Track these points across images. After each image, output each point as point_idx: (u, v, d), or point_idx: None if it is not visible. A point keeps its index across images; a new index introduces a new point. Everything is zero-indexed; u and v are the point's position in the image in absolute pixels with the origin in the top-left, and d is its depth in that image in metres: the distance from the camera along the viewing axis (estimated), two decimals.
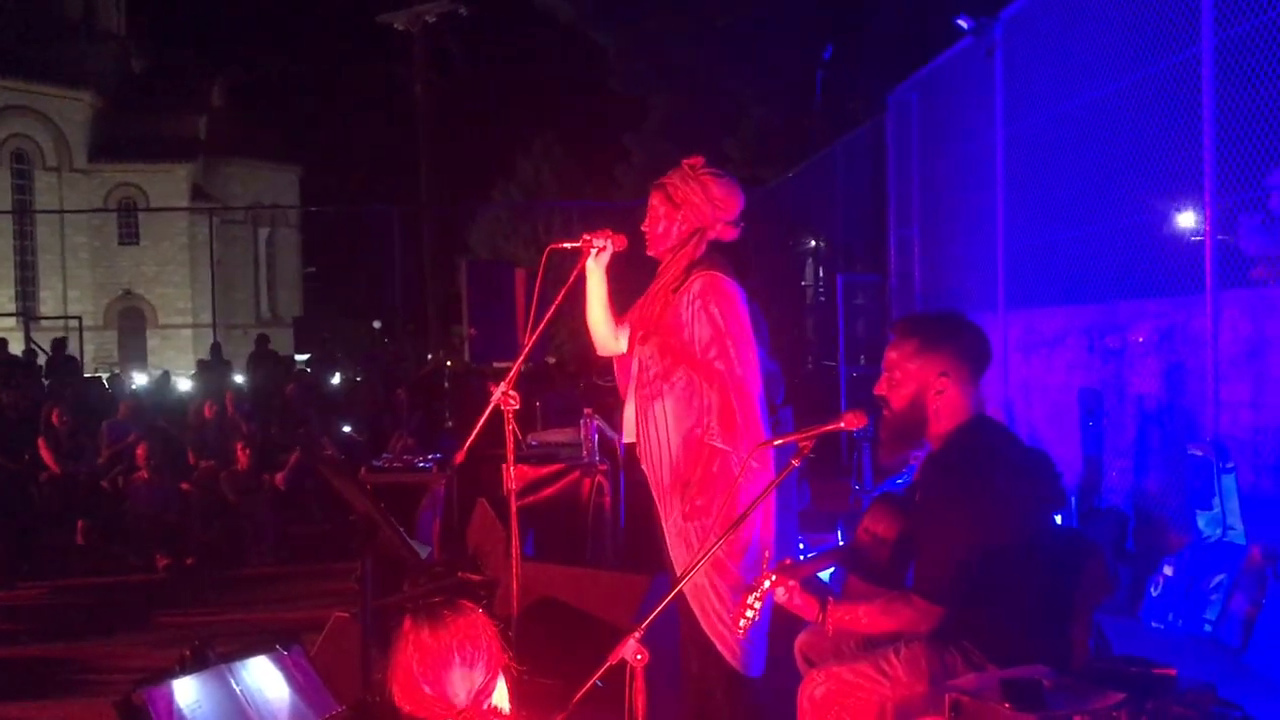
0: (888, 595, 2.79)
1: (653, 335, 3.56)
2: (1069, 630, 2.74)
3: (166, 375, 16.74)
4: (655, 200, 3.60)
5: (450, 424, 10.02)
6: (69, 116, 38.82)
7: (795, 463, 2.71)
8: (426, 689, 2.21)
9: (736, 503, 3.35)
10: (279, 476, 8.92)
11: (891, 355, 2.87)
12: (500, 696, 2.33)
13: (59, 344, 17.18)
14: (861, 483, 7.21)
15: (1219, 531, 5.58)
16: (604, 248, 3.53)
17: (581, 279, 3.59)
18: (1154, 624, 5.62)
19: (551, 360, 18.47)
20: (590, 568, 5.23)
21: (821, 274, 15.04)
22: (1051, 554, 2.76)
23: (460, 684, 2.22)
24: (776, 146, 20.93)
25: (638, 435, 3.63)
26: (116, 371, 25.72)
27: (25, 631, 6.49)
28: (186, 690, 2.62)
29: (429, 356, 18.47)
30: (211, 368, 16.56)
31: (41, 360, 16.72)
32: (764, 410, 3.55)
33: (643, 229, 3.65)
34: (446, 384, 11.94)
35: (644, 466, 3.64)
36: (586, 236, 3.55)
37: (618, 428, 6.29)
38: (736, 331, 3.45)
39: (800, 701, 2.78)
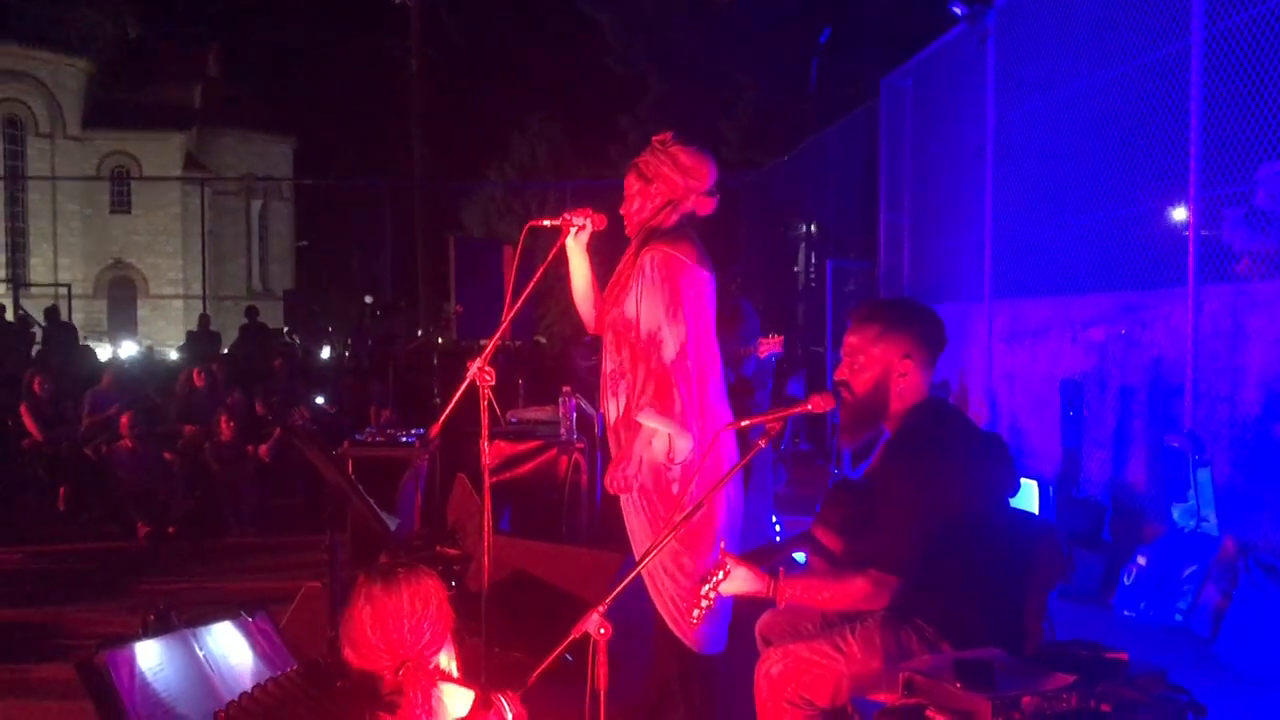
0: (842, 571, 2.82)
1: (611, 309, 3.58)
2: (1022, 612, 2.77)
3: (150, 350, 16.76)
4: (629, 179, 3.61)
5: (438, 400, 10.04)
6: (63, 83, 38.56)
7: (761, 444, 2.72)
8: (376, 641, 2.28)
9: (670, 481, 3.41)
10: (263, 448, 8.93)
11: (853, 340, 2.89)
12: (447, 660, 2.38)
13: (53, 312, 17.16)
14: (840, 467, 7.24)
15: (1193, 523, 5.63)
16: (583, 226, 3.54)
17: (560, 257, 3.60)
18: (1126, 612, 5.68)
19: (541, 340, 18.48)
20: (565, 544, 5.26)
21: (813, 259, 15.04)
22: (1005, 535, 2.79)
23: (409, 639, 2.29)
24: (773, 130, 20.89)
25: (604, 412, 3.67)
26: (90, 344, 25.54)
27: (1, 595, 6.49)
28: (149, 653, 2.63)
29: (419, 333, 18.48)
30: (199, 339, 16.55)
31: (33, 328, 16.70)
32: (718, 392, 3.56)
33: (620, 212, 3.66)
34: (435, 360, 11.95)
35: (610, 444, 3.67)
36: (566, 215, 3.57)
37: (596, 406, 6.33)
38: (678, 309, 3.42)
39: (757, 679, 2.80)
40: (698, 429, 3.43)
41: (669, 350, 3.40)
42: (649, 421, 3.40)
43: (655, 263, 3.44)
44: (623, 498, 3.57)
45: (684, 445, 3.42)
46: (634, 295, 3.47)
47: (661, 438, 3.43)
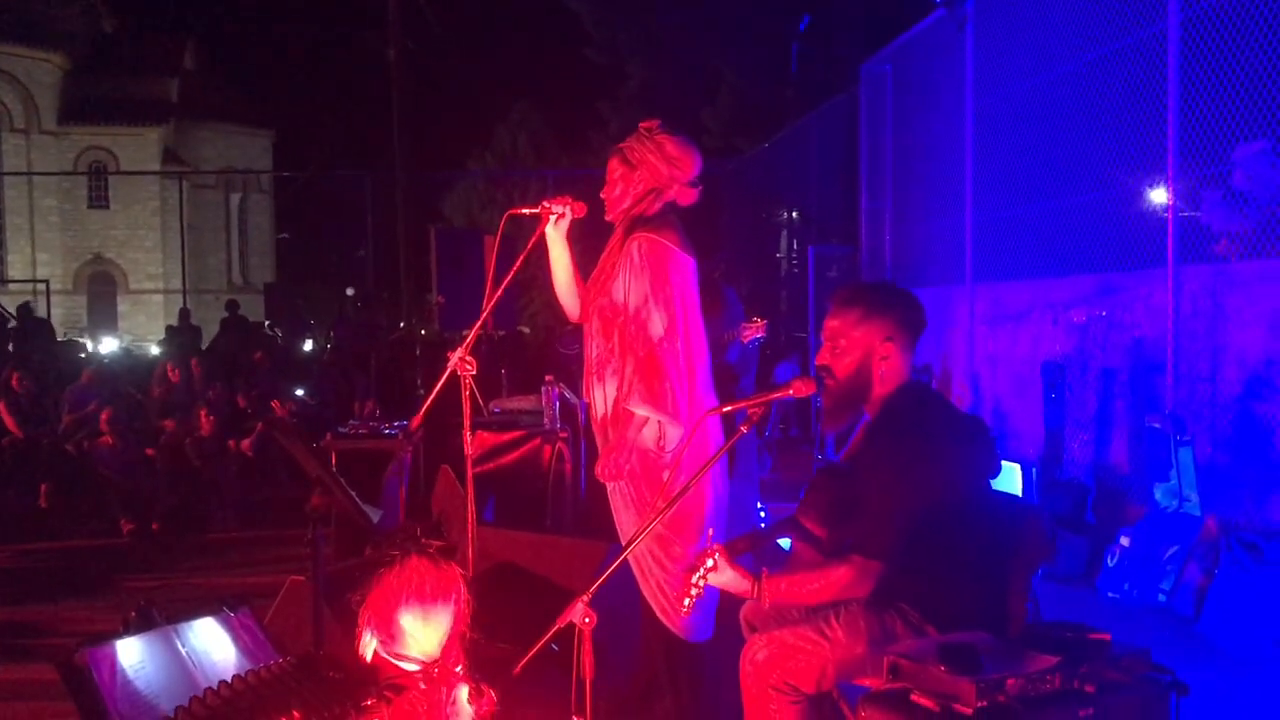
0: (825, 561, 2.82)
1: (598, 297, 3.57)
2: (1006, 594, 2.78)
3: (128, 350, 16.62)
4: (613, 163, 3.58)
5: (421, 392, 10.01)
6: (38, 78, 38.19)
7: (744, 429, 2.72)
8: (408, 621, 2.26)
9: (661, 469, 3.40)
10: (245, 443, 8.89)
11: (834, 324, 2.88)
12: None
13: (25, 308, 17.01)
14: (824, 452, 7.25)
15: (1175, 503, 5.66)
16: (562, 214, 3.52)
17: (540, 246, 3.59)
18: (1110, 594, 5.71)
19: (525, 330, 18.43)
20: (549, 534, 5.25)
21: (795, 246, 15.06)
22: (989, 517, 2.80)
23: (443, 622, 2.28)
24: (754, 117, 20.87)
25: (590, 401, 3.66)
26: (76, 339, 25.35)
27: None
28: (130, 651, 2.61)
29: (401, 324, 18.41)
30: (180, 333, 16.44)
31: (10, 324, 16.55)
32: (706, 382, 3.54)
33: (601, 195, 3.64)
34: (418, 352, 11.91)
35: (595, 433, 3.66)
36: (545, 203, 3.55)
37: (580, 395, 6.32)
38: (665, 288, 3.41)
39: (743, 665, 2.80)
40: (687, 416, 3.42)
41: (656, 328, 3.39)
42: (640, 410, 3.39)
43: (643, 250, 3.43)
44: (610, 487, 3.56)
45: (675, 433, 3.41)
46: (622, 281, 3.46)
47: (652, 426, 3.42)
